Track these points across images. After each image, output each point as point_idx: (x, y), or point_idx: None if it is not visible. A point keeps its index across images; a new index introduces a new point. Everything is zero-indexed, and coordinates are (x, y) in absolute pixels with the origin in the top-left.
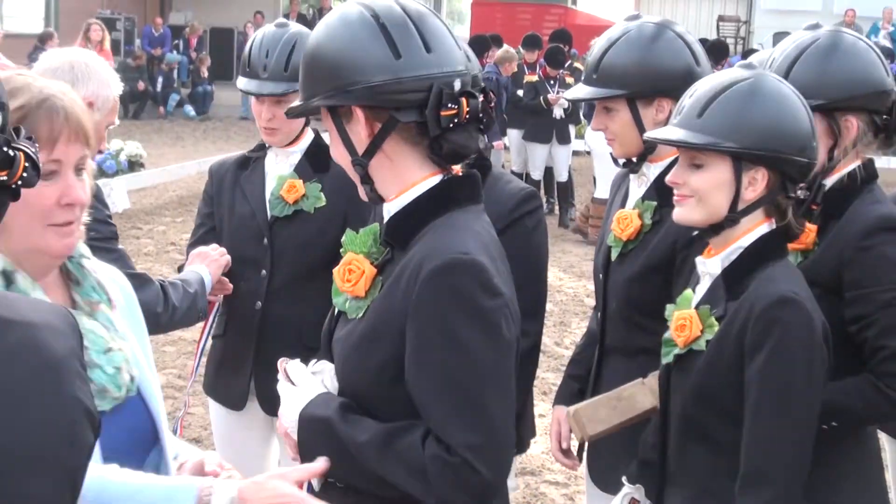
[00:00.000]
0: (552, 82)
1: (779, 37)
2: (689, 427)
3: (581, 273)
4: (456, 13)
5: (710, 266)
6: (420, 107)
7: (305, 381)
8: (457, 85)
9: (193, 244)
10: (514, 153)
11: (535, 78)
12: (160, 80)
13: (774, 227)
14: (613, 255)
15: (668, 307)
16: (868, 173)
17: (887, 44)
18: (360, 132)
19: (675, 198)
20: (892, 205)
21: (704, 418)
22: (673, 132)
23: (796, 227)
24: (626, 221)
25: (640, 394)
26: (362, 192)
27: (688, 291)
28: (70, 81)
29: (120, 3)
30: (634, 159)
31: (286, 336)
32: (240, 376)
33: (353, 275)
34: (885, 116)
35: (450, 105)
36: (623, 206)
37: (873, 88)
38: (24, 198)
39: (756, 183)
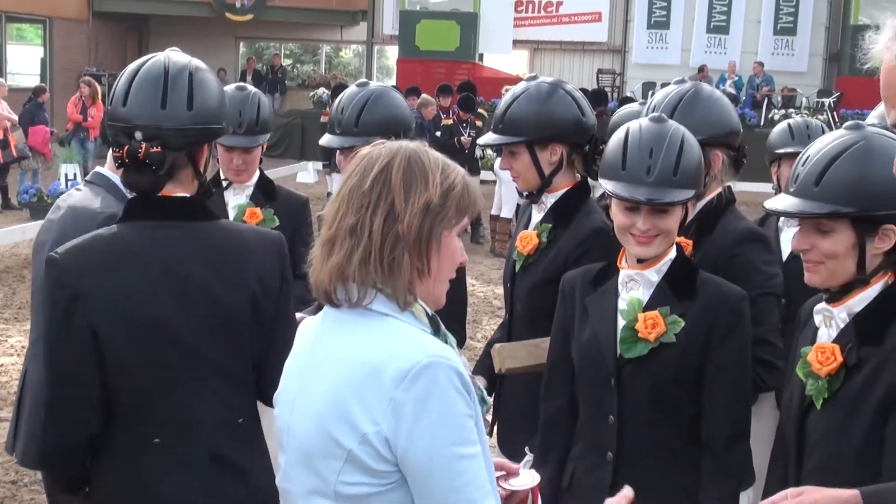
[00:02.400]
0: (464, 125)
1: (647, 86)
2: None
3: (489, 279)
4: (384, 68)
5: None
6: None
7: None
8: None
9: None
10: None
11: (450, 122)
12: None
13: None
14: (517, 268)
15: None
16: (729, 196)
17: (732, 91)
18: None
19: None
20: (751, 221)
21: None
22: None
23: None
24: (528, 240)
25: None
26: None
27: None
28: None
29: (104, 61)
30: (535, 192)
31: None
32: None
33: None
34: (734, 151)
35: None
36: (526, 227)
37: (730, 128)
38: None
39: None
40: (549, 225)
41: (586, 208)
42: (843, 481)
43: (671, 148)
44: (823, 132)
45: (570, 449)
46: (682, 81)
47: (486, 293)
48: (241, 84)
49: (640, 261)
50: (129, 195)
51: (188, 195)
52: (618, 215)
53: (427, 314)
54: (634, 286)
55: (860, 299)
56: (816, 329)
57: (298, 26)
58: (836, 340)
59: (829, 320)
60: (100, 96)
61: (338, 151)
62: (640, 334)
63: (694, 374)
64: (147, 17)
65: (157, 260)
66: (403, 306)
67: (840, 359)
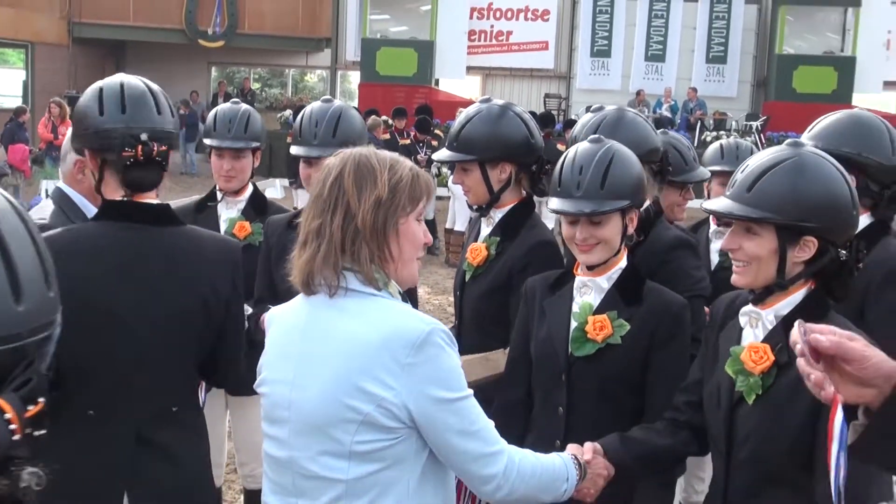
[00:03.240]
0: (421, 145)
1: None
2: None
3: (444, 289)
4: (347, 92)
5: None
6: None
7: None
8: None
9: None
10: None
11: (407, 142)
12: None
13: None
14: (467, 277)
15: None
16: (657, 209)
17: (668, 114)
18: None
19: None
20: (678, 230)
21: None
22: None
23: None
24: (477, 252)
25: (502, 359)
26: None
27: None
28: None
29: (83, 84)
30: (484, 206)
31: None
32: None
33: None
34: (656, 166)
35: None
36: (476, 240)
37: (649, 147)
38: None
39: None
40: (497, 238)
41: (531, 222)
42: (774, 473)
43: (599, 164)
44: (752, 153)
45: (524, 437)
46: (599, 108)
47: (441, 301)
48: (236, 100)
49: (591, 268)
50: (85, 207)
51: (156, 202)
52: (563, 227)
53: (400, 293)
54: (587, 291)
55: (787, 303)
56: (741, 329)
57: (266, 52)
58: (765, 340)
59: (756, 321)
60: (68, 115)
61: (302, 165)
62: (589, 335)
63: (637, 372)
64: (124, 43)
65: (116, 255)
66: (382, 286)
67: (772, 358)
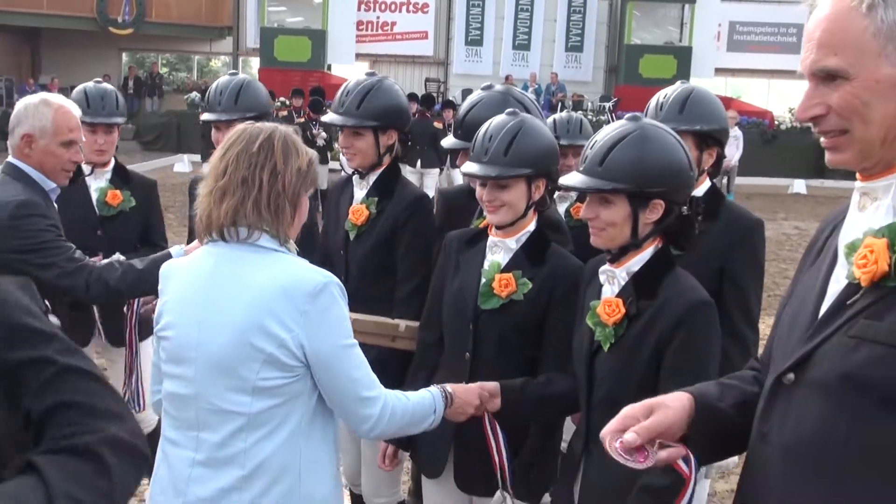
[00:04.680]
0: (314, 122)
1: (465, 92)
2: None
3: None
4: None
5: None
6: None
7: None
8: None
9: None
10: None
11: (302, 120)
12: None
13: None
14: (351, 237)
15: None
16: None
17: (533, 96)
18: None
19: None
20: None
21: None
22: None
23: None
24: (359, 213)
25: (394, 331)
26: None
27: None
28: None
29: (2, 67)
30: (367, 169)
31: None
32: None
33: None
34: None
35: None
36: (351, 203)
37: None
38: None
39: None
40: (375, 198)
41: (402, 182)
42: None
43: (507, 134)
44: (581, 124)
45: (435, 373)
46: (489, 87)
47: None
48: (98, 80)
49: (501, 229)
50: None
51: None
52: (477, 188)
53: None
54: (497, 251)
55: (637, 261)
56: (601, 286)
57: (173, 39)
58: (618, 295)
59: (612, 279)
60: None
61: (213, 130)
62: (495, 291)
63: (535, 326)
64: (39, 30)
65: None
66: (283, 244)
67: (623, 310)
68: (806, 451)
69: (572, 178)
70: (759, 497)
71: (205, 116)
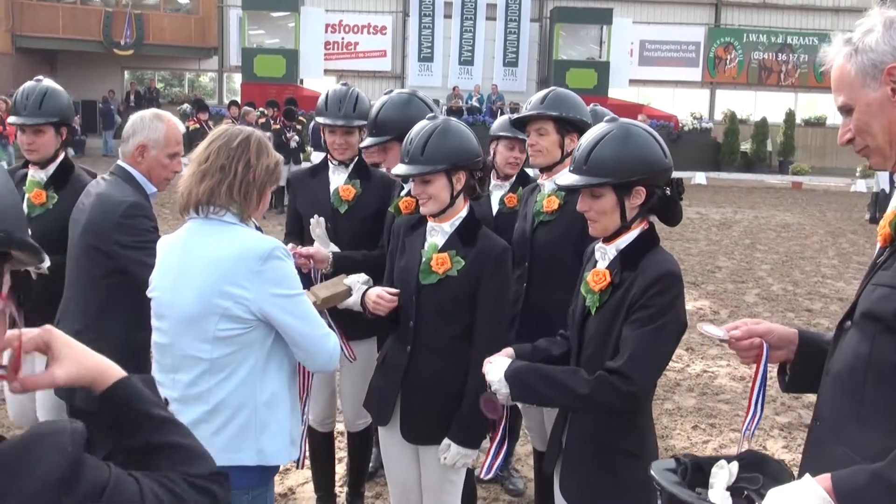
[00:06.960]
0: (287, 128)
1: None
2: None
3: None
4: (232, 90)
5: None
6: None
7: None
8: None
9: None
10: None
11: (278, 126)
12: None
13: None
14: (342, 211)
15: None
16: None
17: (477, 105)
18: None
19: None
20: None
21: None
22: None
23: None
24: (348, 191)
25: (342, 284)
26: None
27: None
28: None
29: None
30: (348, 161)
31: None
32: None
33: None
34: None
35: None
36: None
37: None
38: None
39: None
40: (358, 181)
41: (379, 171)
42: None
43: (422, 137)
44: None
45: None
46: (390, 92)
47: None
48: (39, 78)
49: (436, 216)
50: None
51: None
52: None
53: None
54: (435, 234)
55: (625, 239)
56: (596, 262)
57: (168, 58)
58: (608, 268)
59: (604, 255)
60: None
61: (19, 131)
62: (433, 268)
63: (469, 298)
64: (56, 52)
65: None
66: (244, 222)
67: (609, 279)
68: (842, 374)
69: (564, 178)
70: (816, 418)
71: (10, 119)
